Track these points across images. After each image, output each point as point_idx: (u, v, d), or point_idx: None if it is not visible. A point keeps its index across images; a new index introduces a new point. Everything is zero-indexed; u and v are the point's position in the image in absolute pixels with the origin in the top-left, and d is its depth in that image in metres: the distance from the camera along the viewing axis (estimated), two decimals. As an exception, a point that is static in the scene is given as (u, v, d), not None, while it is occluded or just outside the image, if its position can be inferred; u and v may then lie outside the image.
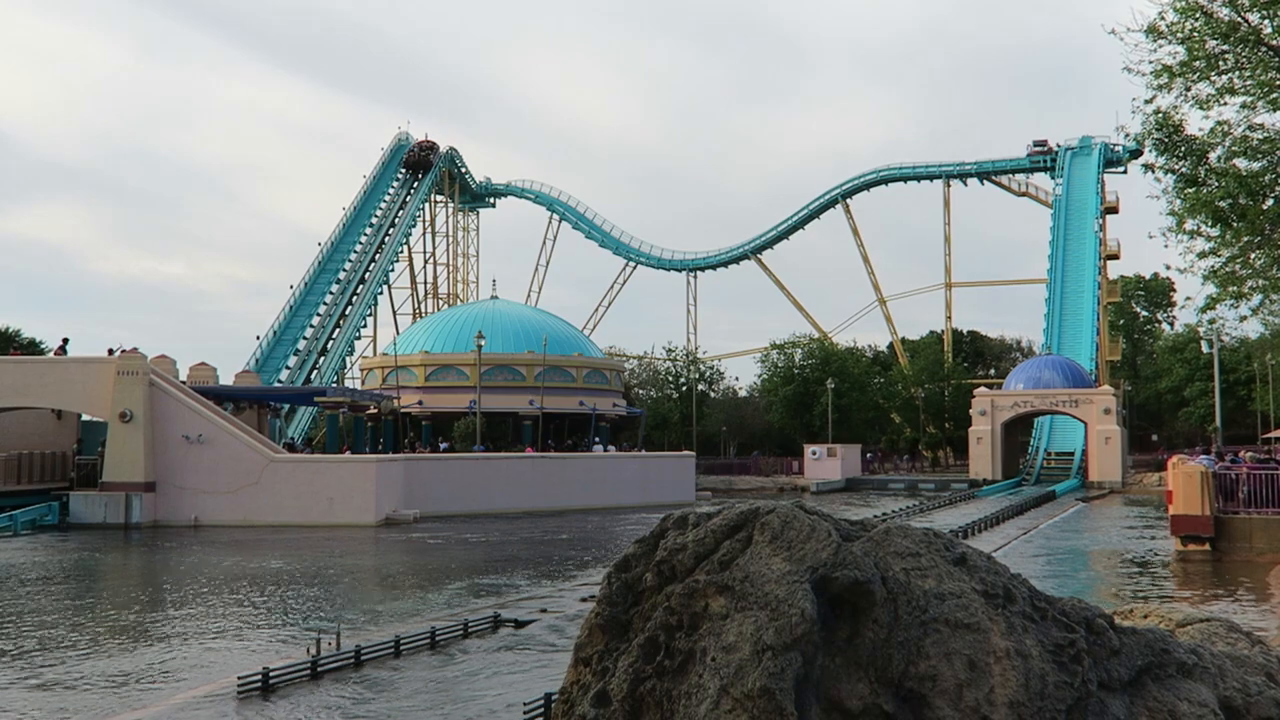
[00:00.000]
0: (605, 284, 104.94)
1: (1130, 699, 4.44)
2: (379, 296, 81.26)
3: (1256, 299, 21.30)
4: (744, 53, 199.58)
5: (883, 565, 4.31)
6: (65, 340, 45.70)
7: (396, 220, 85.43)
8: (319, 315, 74.17)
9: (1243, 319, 24.42)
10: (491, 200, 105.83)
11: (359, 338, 77.23)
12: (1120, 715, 4.31)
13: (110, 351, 41.84)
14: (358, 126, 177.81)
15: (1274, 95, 17.44)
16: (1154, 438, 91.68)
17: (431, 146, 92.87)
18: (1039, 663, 4.18)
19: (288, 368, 69.46)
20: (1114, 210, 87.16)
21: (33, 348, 57.35)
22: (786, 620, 3.99)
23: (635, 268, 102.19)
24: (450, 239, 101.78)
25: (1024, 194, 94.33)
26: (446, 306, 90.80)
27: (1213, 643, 5.68)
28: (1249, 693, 4.79)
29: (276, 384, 64.02)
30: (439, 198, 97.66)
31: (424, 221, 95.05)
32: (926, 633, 4.13)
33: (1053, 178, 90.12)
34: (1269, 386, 70.14)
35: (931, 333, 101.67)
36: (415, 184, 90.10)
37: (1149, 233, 20.58)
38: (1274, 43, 17.03)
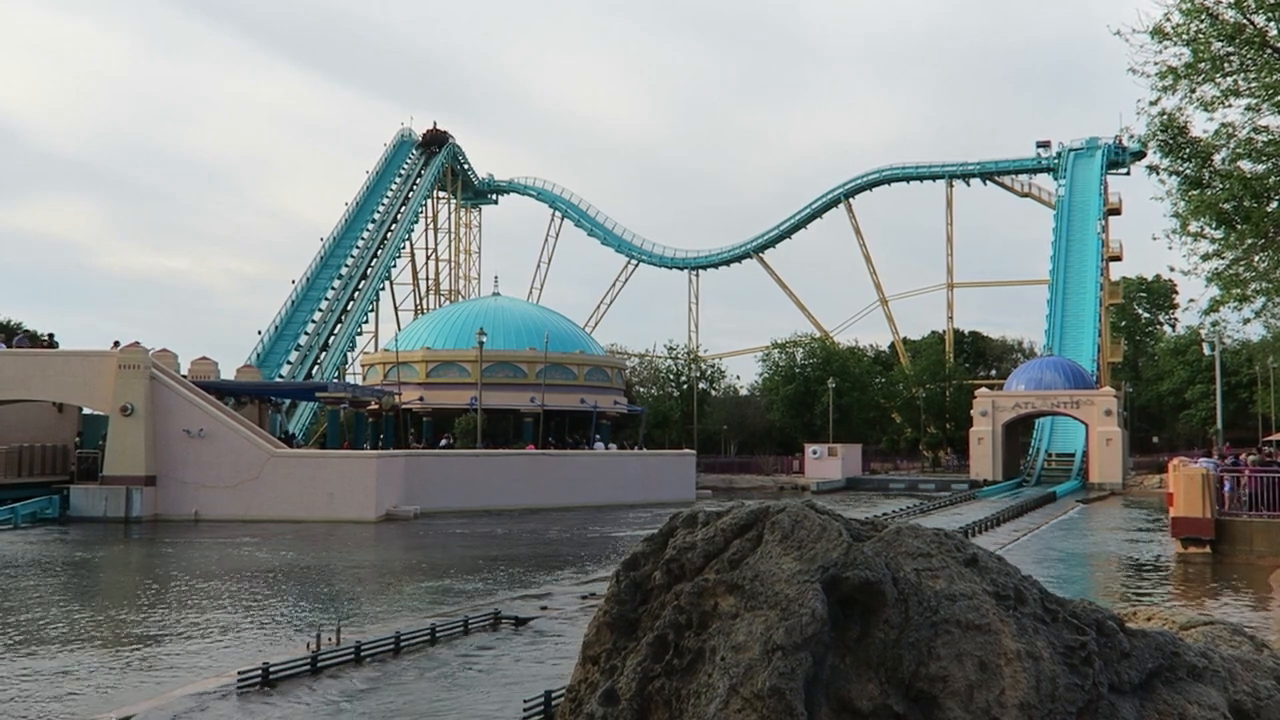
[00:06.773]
0: (607, 282, 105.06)
1: (1140, 702, 4.42)
2: (380, 292, 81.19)
3: (1260, 301, 21.29)
4: (749, 51, 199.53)
5: (894, 565, 4.29)
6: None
7: (399, 216, 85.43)
8: (320, 310, 74.10)
9: (1246, 321, 24.46)
10: (494, 197, 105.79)
11: (360, 333, 77.11)
12: (1130, 718, 4.29)
13: (115, 345, 41.82)
14: (361, 122, 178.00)
15: (1279, 98, 17.41)
16: (1155, 440, 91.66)
17: (445, 132, 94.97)
18: (1050, 665, 4.16)
19: (289, 363, 69.38)
20: (1117, 212, 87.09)
21: (34, 342, 57.27)
22: (797, 620, 3.97)
23: (637, 265, 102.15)
24: (452, 235, 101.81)
25: (1027, 194, 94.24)
26: (448, 303, 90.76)
27: (1217, 646, 5.66)
28: (1259, 696, 4.77)
29: (278, 379, 63.97)
30: (441, 194, 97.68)
31: (426, 218, 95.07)
32: (937, 634, 4.11)
33: (1056, 178, 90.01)
34: (1270, 389, 70.11)
35: (933, 333, 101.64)
36: (423, 169, 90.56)
37: (1152, 234, 20.53)
38: (1279, 45, 17.00)
